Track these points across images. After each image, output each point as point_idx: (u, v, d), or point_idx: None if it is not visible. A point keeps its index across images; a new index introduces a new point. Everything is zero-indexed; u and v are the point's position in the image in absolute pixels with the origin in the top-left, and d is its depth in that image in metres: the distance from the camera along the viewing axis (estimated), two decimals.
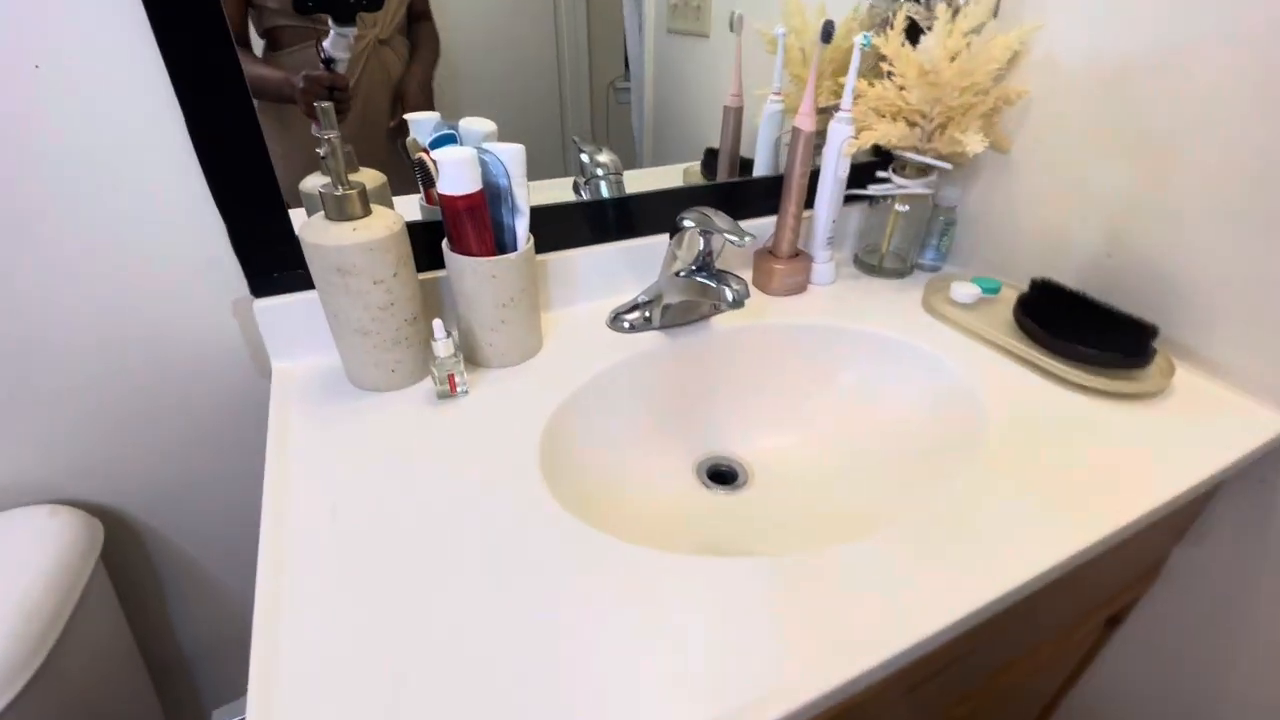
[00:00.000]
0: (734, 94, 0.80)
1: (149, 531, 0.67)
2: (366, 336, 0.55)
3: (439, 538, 0.44)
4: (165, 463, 0.65)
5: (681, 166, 0.87)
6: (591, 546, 0.44)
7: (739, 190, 0.81)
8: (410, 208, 0.65)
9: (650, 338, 0.68)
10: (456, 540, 0.44)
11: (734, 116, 0.81)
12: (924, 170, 0.77)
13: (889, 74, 0.72)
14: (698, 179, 0.89)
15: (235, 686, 0.79)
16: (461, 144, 0.64)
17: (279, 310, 0.59)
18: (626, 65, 0.77)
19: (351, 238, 0.50)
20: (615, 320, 0.70)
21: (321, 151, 0.49)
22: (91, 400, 0.59)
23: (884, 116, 0.73)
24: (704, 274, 0.63)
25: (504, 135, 0.62)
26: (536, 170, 0.60)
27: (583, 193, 0.78)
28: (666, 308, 0.68)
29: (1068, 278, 0.71)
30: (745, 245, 0.56)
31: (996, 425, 0.58)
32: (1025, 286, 0.71)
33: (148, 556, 0.69)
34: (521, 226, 0.59)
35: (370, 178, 0.61)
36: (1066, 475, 0.52)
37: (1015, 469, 0.52)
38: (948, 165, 0.74)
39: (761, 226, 0.81)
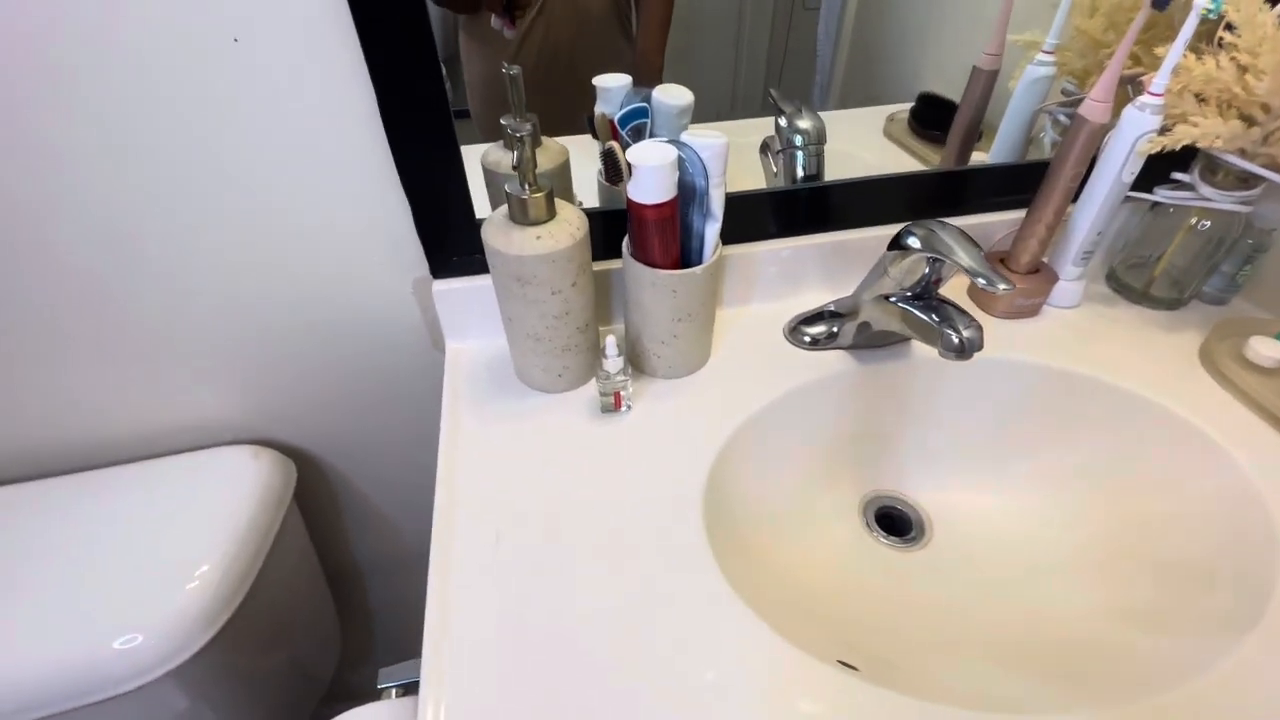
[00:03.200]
0: (991, 52, 0.63)
1: (334, 472, 0.74)
2: (538, 342, 0.52)
3: (592, 580, 0.43)
4: (350, 415, 0.69)
5: (882, 111, 0.72)
6: (747, 642, 0.40)
7: (974, 179, 0.66)
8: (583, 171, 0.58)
9: (834, 358, 0.60)
10: (607, 587, 0.42)
11: (985, 81, 0.64)
12: (1246, 180, 0.57)
13: (1224, 46, 0.52)
14: (905, 136, 0.74)
15: (401, 599, 0.89)
16: (653, 122, 0.56)
17: (455, 294, 0.58)
18: None
19: (534, 247, 0.46)
20: (795, 332, 0.62)
21: (512, 150, 0.44)
22: (288, 356, 0.63)
23: (1208, 104, 0.54)
24: (921, 304, 0.52)
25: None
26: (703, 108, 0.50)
27: (773, 162, 0.68)
28: (863, 326, 0.58)
29: None
30: (999, 292, 0.44)
31: None
32: None
33: (333, 493, 0.76)
34: (712, 234, 0.51)
35: (551, 156, 0.56)
36: None
37: None
38: None
39: (991, 225, 0.66)
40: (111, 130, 0.47)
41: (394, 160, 0.50)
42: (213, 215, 0.53)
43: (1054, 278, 0.63)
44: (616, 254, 0.54)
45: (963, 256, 0.46)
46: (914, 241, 0.49)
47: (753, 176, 0.67)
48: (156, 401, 0.63)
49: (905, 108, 0.74)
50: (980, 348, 0.48)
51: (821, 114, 0.75)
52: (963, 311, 0.50)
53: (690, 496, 0.48)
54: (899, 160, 0.74)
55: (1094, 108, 0.53)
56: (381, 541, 0.83)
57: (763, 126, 0.67)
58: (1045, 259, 0.64)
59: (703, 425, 0.53)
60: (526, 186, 0.46)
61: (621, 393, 0.53)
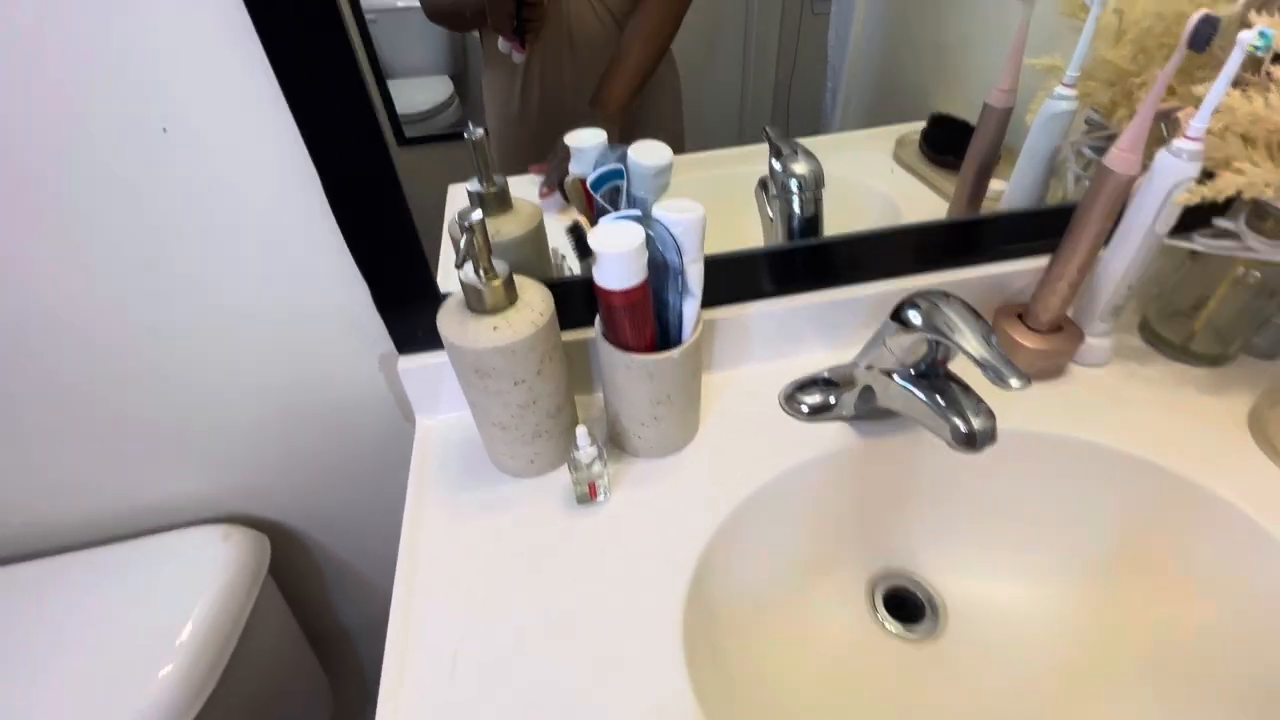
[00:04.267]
0: (1004, 88, 0.57)
1: (312, 541, 0.71)
2: (505, 430, 0.48)
3: (556, 708, 0.38)
4: (324, 487, 0.67)
5: (892, 132, 0.67)
6: None
7: (985, 228, 0.60)
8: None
9: (835, 430, 0.55)
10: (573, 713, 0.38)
11: (998, 119, 0.59)
12: None
13: (1275, 80, 0.45)
14: (916, 161, 0.68)
15: None
16: (629, 183, 0.52)
17: (422, 370, 0.54)
18: None
19: (491, 339, 0.42)
20: (791, 400, 0.57)
21: (460, 233, 0.40)
22: (258, 434, 0.61)
23: (1255, 146, 0.48)
24: (925, 385, 0.46)
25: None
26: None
27: (768, 208, 0.63)
28: (866, 394, 0.53)
29: None
30: (1012, 389, 0.38)
31: None
32: None
33: (312, 562, 0.73)
34: (690, 311, 0.46)
35: (522, 220, 0.52)
36: None
37: None
38: None
39: (1008, 275, 0.60)
40: (72, 236, 0.45)
41: (344, 241, 0.47)
42: (174, 309, 0.51)
43: (1079, 335, 0.56)
44: (592, 318, 0.49)
45: (969, 341, 0.40)
46: (915, 318, 0.44)
47: (751, 213, 0.62)
48: (124, 482, 0.61)
49: (916, 128, 0.69)
50: (993, 440, 0.43)
51: (829, 136, 0.70)
52: (972, 394, 0.45)
53: (669, 607, 0.43)
54: (909, 189, 0.68)
55: (1121, 159, 0.47)
56: (365, 604, 0.80)
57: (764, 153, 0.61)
58: (1069, 313, 0.58)
59: (687, 516, 0.48)
60: (482, 274, 0.42)
61: (597, 483, 0.48)
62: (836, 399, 0.55)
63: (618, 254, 0.40)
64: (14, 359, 0.51)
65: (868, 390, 0.52)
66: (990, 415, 0.43)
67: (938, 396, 0.45)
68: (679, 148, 0.62)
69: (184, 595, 0.59)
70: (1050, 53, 0.58)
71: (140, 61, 0.39)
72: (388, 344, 0.54)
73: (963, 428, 0.43)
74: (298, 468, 0.64)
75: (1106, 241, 0.53)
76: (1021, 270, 0.60)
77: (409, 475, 0.53)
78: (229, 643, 0.60)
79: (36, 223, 0.44)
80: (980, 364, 0.39)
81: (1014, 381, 0.38)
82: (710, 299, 0.54)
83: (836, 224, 0.60)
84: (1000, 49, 0.62)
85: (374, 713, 0.39)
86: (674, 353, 0.46)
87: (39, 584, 0.60)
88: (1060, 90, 0.57)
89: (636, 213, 0.44)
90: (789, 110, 0.67)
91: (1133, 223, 0.51)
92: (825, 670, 0.51)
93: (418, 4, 0.50)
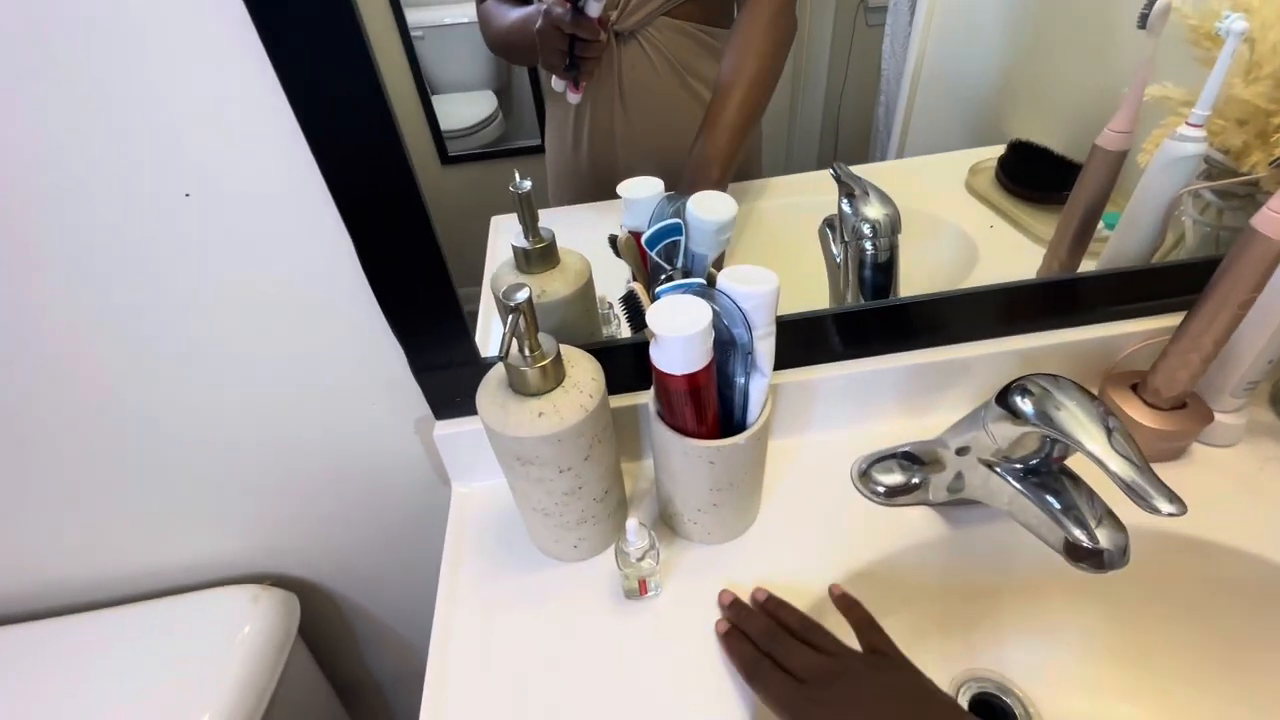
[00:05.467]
0: (1118, 129, 0.50)
1: (343, 599, 0.68)
2: (548, 516, 0.43)
3: None
4: (357, 547, 0.64)
5: (961, 158, 0.60)
6: None
7: (1093, 285, 0.53)
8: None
9: (918, 517, 0.48)
10: None
11: (1109, 164, 0.51)
12: None
13: None
14: (993, 191, 0.62)
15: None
16: (688, 238, 0.46)
17: (459, 437, 0.50)
18: None
19: (535, 427, 0.37)
20: (866, 478, 0.51)
21: (505, 311, 0.35)
22: (292, 495, 0.58)
23: None
24: (1035, 482, 0.40)
25: None
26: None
27: (835, 248, 0.57)
28: (958, 478, 0.46)
29: None
30: (1164, 515, 0.31)
31: None
32: None
33: (344, 618, 0.70)
34: (758, 391, 0.41)
35: (569, 279, 0.47)
36: None
37: None
38: None
39: (1114, 339, 0.53)
40: (100, 300, 0.43)
41: (380, 307, 0.43)
42: (210, 373, 0.48)
43: (1207, 414, 0.49)
44: (645, 383, 0.44)
45: (1098, 446, 0.34)
46: (1025, 408, 0.37)
47: (810, 249, 0.56)
48: (157, 541, 0.59)
49: (993, 155, 0.62)
50: (1125, 559, 0.36)
51: (895, 162, 0.64)
52: (1096, 498, 0.38)
53: None
54: (986, 222, 0.62)
55: (1273, 221, 0.39)
56: (396, 657, 0.77)
57: (819, 182, 0.55)
58: (1194, 387, 0.50)
59: None
60: (527, 353, 0.37)
61: (648, 580, 0.43)
62: (921, 480, 0.49)
63: (681, 338, 0.34)
64: (50, 420, 0.49)
65: (959, 477, 0.46)
66: (1120, 527, 0.37)
67: (1051, 498, 0.39)
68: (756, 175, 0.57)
69: (213, 657, 0.57)
70: (1159, 81, 0.50)
71: (163, 123, 0.36)
72: (424, 408, 0.50)
73: (1086, 543, 0.36)
74: (330, 527, 0.61)
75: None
76: (1132, 333, 0.53)
77: (444, 548, 0.49)
78: (259, 704, 0.57)
79: (69, 292, 0.42)
80: (1122, 484, 0.32)
81: (1165, 506, 0.31)
82: (775, 361, 0.48)
83: (906, 262, 0.53)
84: (1091, 69, 0.55)
85: None
86: (740, 439, 0.40)
87: (67, 640, 0.59)
88: (1184, 130, 0.49)
89: (700, 282, 0.39)
90: (838, 129, 0.61)
91: (1277, 294, 0.44)
92: None
93: (464, 20, 0.48)
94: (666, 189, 0.46)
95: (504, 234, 0.47)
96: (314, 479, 0.57)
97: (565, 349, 0.40)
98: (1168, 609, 0.47)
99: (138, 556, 0.60)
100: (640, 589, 0.44)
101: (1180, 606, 0.47)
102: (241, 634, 0.58)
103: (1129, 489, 0.32)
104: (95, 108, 0.35)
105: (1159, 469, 0.49)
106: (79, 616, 0.59)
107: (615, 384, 0.46)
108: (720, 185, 0.48)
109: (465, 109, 0.52)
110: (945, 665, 0.52)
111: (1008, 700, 0.50)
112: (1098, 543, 0.36)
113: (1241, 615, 0.45)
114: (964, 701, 0.50)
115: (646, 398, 0.45)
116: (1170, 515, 0.31)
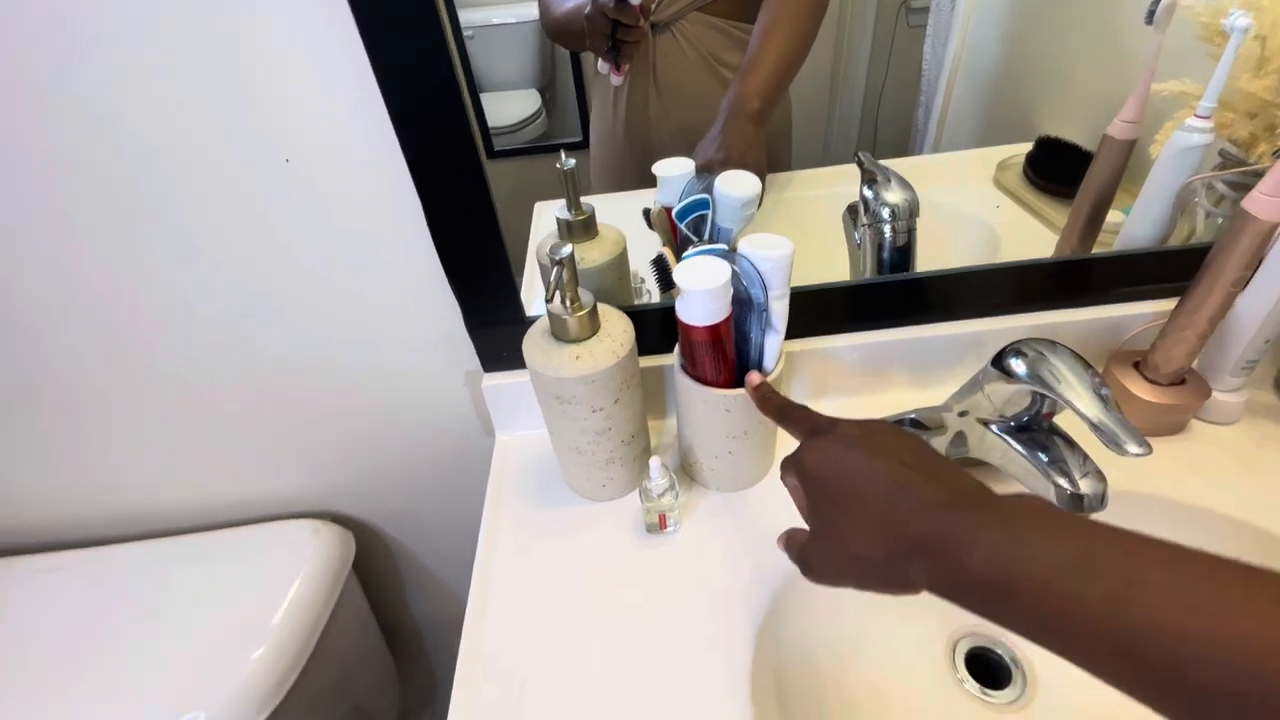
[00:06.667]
0: (1128, 119, 0.53)
1: (393, 541, 0.75)
2: (580, 454, 0.49)
3: None
4: (407, 491, 0.70)
5: (992, 154, 0.63)
6: None
7: (1102, 267, 0.55)
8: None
9: None
10: None
11: (1119, 153, 0.54)
12: None
13: None
14: (1019, 186, 0.65)
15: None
16: (715, 213, 0.51)
17: (504, 389, 0.56)
18: None
19: (573, 368, 0.43)
20: None
21: (550, 265, 0.41)
22: (350, 438, 0.65)
23: None
24: (1026, 439, 0.43)
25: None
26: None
27: (856, 233, 0.61)
28: (956, 439, 0.50)
29: None
30: (1132, 456, 0.35)
31: None
32: None
33: (392, 560, 0.77)
34: (773, 346, 0.46)
35: (606, 248, 0.52)
36: None
37: None
38: None
39: (1122, 319, 0.56)
40: (214, 251, 0.50)
41: (441, 264, 0.49)
42: (282, 321, 0.55)
43: (1205, 390, 0.51)
44: (671, 345, 0.49)
45: (1081, 397, 0.37)
46: (1018, 367, 0.41)
47: (835, 239, 0.60)
48: (234, 476, 0.67)
49: (1020, 151, 0.65)
50: (1103, 505, 0.39)
51: (924, 157, 0.67)
52: (1079, 451, 0.41)
53: (737, 651, 0.42)
54: (1011, 216, 0.65)
55: (1264, 203, 0.42)
56: (439, 602, 0.84)
57: (851, 175, 0.59)
58: (1194, 365, 0.52)
59: (758, 554, 0.47)
60: (568, 304, 0.42)
61: (668, 515, 0.48)
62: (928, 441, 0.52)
63: (703, 290, 0.39)
64: (156, 369, 0.57)
65: (959, 437, 0.49)
66: (1100, 478, 0.40)
67: (1040, 453, 0.42)
68: (785, 166, 0.61)
69: (277, 583, 0.64)
70: (1178, 77, 0.53)
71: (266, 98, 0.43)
72: (474, 362, 0.56)
73: (1069, 490, 0.40)
74: (384, 471, 0.67)
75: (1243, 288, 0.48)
76: (1138, 314, 0.55)
77: (487, 489, 0.55)
78: (315, 631, 0.64)
79: (185, 242, 0.50)
80: (1094, 426, 0.36)
81: (1132, 448, 0.35)
82: (792, 331, 0.53)
83: (928, 251, 0.57)
84: (1116, 67, 0.58)
85: (439, 709, 0.40)
86: None
87: (144, 563, 0.66)
88: (1193, 122, 0.52)
89: (723, 247, 0.44)
90: (877, 127, 0.65)
91: (1275, 271, 0.46)
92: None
93: (512, 20, 0.53)
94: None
95: (547, 214, 0.52)
96: (373, 427, 0.63)
97: (601, 305, 0.46)
98: None
99: (213, 490, 0.68)
100: (660, 523, 0.49)
101: None
102: (304, 562, 0.65)
103: (1100, 430, 0.35)
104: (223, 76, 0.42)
105: (1160, 442, 0.52)
106: (155, 541, 0.67)
107: (644, 346, 0.50)
108: (760, 118, 0.51)
109: (511, 106, 0.56)
110: (942, 621, 0.55)
111: (1001, 654, 0.53)
112: (1079, 490, 0.39)
113: None
114: (960, 656, 0.54)
115: (671, 358, 0.50)
116: (1136, 455, 0.34)
